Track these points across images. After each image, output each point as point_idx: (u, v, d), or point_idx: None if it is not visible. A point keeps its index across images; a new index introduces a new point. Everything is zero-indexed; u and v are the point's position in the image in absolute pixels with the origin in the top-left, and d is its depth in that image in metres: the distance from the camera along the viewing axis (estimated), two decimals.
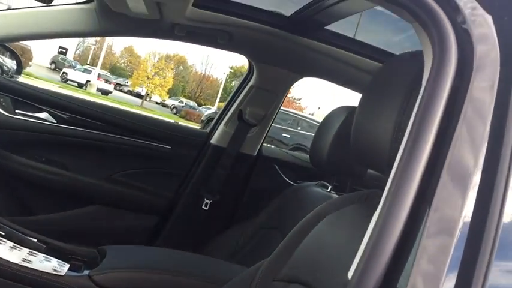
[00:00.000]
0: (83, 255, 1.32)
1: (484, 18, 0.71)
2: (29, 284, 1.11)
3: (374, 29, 1.91)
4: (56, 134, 2.06)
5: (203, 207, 2.12)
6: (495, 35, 0.70)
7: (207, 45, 1.97)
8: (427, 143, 0.66)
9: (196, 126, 18.61)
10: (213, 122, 2.27)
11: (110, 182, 2.11)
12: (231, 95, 2.29)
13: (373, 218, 0.69)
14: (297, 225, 1.14)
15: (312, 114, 24.66)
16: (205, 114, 16.83)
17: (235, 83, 43.99)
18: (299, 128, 12.11)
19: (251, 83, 2.12)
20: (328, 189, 1.84)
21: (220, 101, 35.98)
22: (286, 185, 2.20)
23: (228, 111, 2.19)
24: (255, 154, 2.20)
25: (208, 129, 2.26)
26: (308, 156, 1.80)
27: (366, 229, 0.70)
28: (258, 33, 1.84)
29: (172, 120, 2.35)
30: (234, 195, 2.19)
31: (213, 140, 2.18)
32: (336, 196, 1.77)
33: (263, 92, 2.12)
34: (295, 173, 2.29)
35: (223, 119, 2.20)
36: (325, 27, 1.79)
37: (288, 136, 11.97)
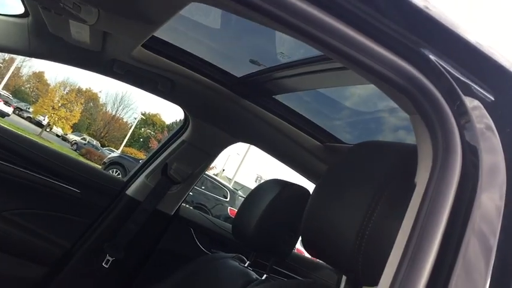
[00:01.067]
0: None
1: (491, 129, 0.67)
2: None
3: (320, 108, 1.89)
4: None
5: (103, 264, 1.88)
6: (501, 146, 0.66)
7: (145, 90, 1.82)
8: (430, 253, 0.58)
9: (97, 167, 17.66)
10: (132, 172, 2.08)
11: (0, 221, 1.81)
12: (158, 146, 2.13)
13: None
14: None
15: (217, 175, 24.65)
16: (108, 157, 16.06)
17: (144, 130, 43.24)
18: (203, 188, 11.95)
19: (183, 137, 1.99)
20: (246, 265, 1.72)
21: (125, 145, 34.88)
22: (199, 252, 2.04)
23: (152, 162, 2.02)
24: (172, 213, 2.03)
25: (126, 179, 2.05)
26: (223, 223, 1.68)
27: None
28: (202, 88, 1.74)
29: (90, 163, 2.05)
30: (141, 255, 1.97)
31: (129, 191, 1.98)
32: (253, 274, 1.64)
33: (194, 149, 1.99)
34: (211, 241, 2.13)
35: (144, 170, 2.02)
36: (273, 96, 1.74)
37: (191, 194, 11.71)
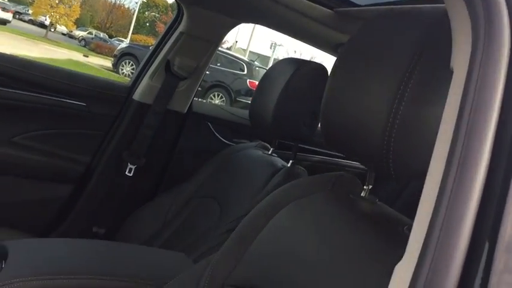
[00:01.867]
0: None
1: None
2: None
3: None
4: None
5: (126, 173, 1.85)
6: None
7: None
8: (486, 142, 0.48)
9: (108, 60, 17.44)
10: (135, 74, 1.95)
11: (12, 148, 1.76)
12: (155, 42, 1.97)
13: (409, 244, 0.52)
14: (250, 215, 0.94)
15: (230, 49, 24.14)
16: (118, 49, 15.68)
17: (148, 14, 41.82)
18: (218, 64, 11.73)
19: (180, 29, 1.82)
20: (270, 152, 1.66)
21: (133, 33, 34.06)
22: (221, 144, 1.98)
23: (153, 61, 1.88)
24: (185, 111, 1.94)
25: (130, 83, 1.94)
26: (242, 110, 1.59)
27: (339, 229, 0.51)
28: None
29: (91, 73, 1.93)
30: (162, 158, 1.93)
31: (136, 96, 1.87)
32: (278, 161, 1.59)
33: (195, 40, 1.82)
34: (231, 131, 2.07)
35: (147, 70, 1.89)
36: None
37: (208, 73, 11.52)
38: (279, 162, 1.57)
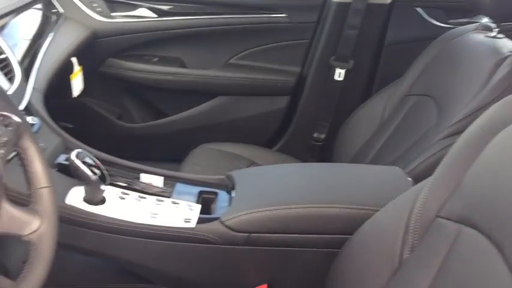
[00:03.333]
0: (214, 185, 1.19)
1: None
2: (161, 238, 1.03)
3: None
4: (159, 29, 1.87)
5: (336, 78, 1.83)
6: None
7: None
8: None
9: None
10: None
11: (229, 69, 1.91)
12: None
13: None
14: (461, 138, 0.81)
15: None
16: None
17: None
18: None
19: None
20: (493, 35, 1.40)
21: None
22: (435, 30, 1.75)
23: None
24: (389, 1, 1.76)
25: None
26: None
27: None
28: None
29: None
30: (370, 58, 1.83)
31: None
32: (506, 45, 1.33)
33: None
34: (445, 11, 1.81)
35: None
36: None
37: None
38: (507, 47, 1.32)
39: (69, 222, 1.00)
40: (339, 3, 1.75)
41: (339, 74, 1.81)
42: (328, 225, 1.04)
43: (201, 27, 1.86)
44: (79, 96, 1.75)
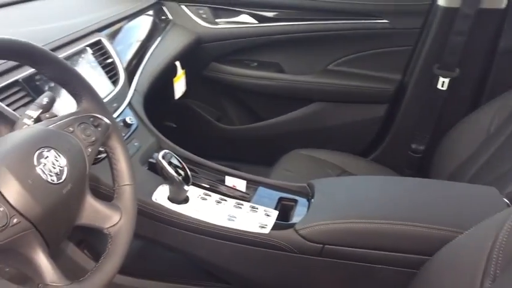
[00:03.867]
0: (295, 192, 1.20)
1: None
2: (237, 241, 1.05)
3: None
4: (260, 35, 1.91)
5: (439, 87, 1.72)
6: None
7: None
8: None
9: None
10: None
11: (327, 75, 1.89)
12: None
13: None
14: None
15: None
16: None
17: None
18: None
19: None
20: None
21: None
22: None
23: None
24: (503, 6, 1.62)
25: None
26: None
27: None
28: None
29: None
30: (479, 66, 1.70)
31: (441, 1, 1.67)
32: None
33: None
34: None
35: None
36: None
37: None
38: None
39: (154, 218, 1.07)
40: (446, 8, 1.64)
41: (443, 83, 1.70)
42: (407, 244, 0.99)
43: (300, 33, 1.87)
44: (182, 97, 1.85)
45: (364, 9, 1.77)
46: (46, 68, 0.77)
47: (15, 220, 0.61)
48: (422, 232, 0.98)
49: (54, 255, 1.07)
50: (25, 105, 0.91)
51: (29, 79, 0.98)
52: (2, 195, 0.61)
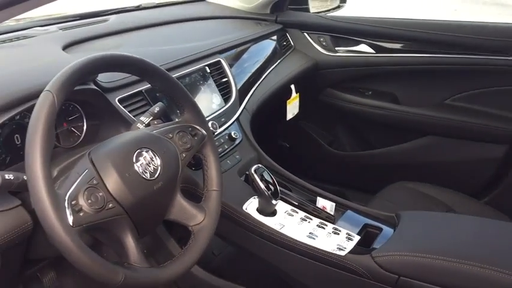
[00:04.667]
0: (381, 221, 1.21)
1: None
2: (313, 258, 1.10)
3: None
4: (377, 64, 1.93)
5: None
6: None
7: None
8: None
9: None
10: None
11: (444, 109, 1.84)
12: None
13: None
14: None
15: None
16: None
17: None
18: None
19: None
20: None
21: None
22: None
23: None
24: None
25: None
26: None
27: None
28: None
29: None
30: None
31: None
32: None
33: None
34: None
35: None
36: None
37: None
38: None
39: (242, 226, 1.17)
40: None
41: None
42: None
43: (419, 65, 1.84)
44: (295, 119, 1.94)
45: (489, 45, 1.70)
46: (156, 82, 0.92)
47: (110, 205, 0.74)
48: (498, 277, 0.94)
49: (151, 244, 1.22)
50: (143, 112, 1.06)
51: (150, 91, 1.15)
52: (103, 183, 0.75)
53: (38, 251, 0.93)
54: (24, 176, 0.72)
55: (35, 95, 0.72)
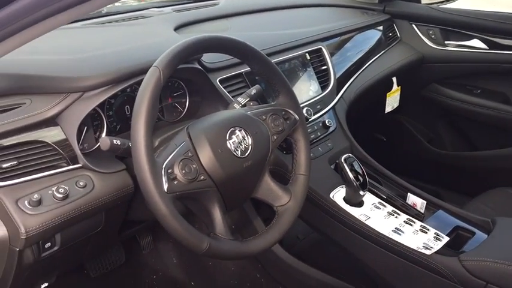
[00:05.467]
0: (474, 224, 1.16)
1: None
2: (396, 253, 1.09)
3: None
4: (488, 61, 1.81)
5: None
6: None
7: None
8: None
9: None
10: None
11: None
12: None
13: None
14: None
15: None
16: None
17: None
18: None
19: None
20: None
21: None
22: None
23: None
24: None
25: None
26: None
27: None
28: None
29: None
30: None
31: None
32: None
33: None
34: None
35: None
36: None
37: None
38: None
39: (327, 213, 1.18)
40: None
41: None
42: None
43: None
44: (393, 112, 1.89)
45: None
46: (255, 65, 0.95)
47: (202, 177, 0.80)
48: None
49: (239, 220, 1.28)
50: (241, 93, 1.11)
51: (249, 74, 1.19)
52: (197, 156, 0.80)
53: (137, 213, 1.02)
54: (130, 143, 0.79)
55: (145, 70, 0.78)
